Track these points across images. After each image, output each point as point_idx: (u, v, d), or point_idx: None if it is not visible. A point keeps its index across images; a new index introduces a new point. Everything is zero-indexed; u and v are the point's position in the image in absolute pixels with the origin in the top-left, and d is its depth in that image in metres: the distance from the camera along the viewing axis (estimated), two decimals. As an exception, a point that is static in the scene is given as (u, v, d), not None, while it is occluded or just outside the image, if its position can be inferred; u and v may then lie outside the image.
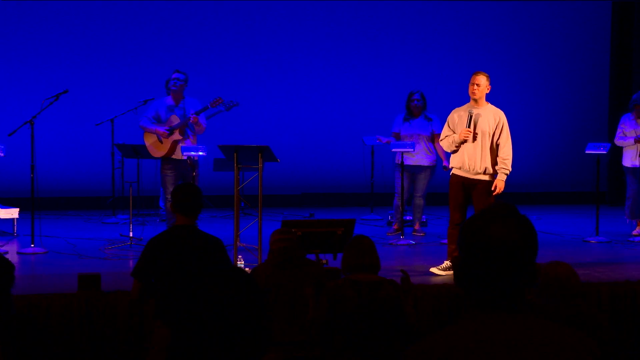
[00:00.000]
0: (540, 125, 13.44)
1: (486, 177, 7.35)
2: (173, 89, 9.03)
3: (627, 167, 9.91)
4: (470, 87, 7.42)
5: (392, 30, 13.00)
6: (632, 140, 9.72)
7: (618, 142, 9.94)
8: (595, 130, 13.28)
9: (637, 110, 9.73)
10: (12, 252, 8.34)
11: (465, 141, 7.36)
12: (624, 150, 9.96)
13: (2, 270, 3.89)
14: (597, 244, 9.26)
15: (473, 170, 7.35)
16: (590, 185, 10.87)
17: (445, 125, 7.56)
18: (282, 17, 12.72)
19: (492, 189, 7.29)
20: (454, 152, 7.46)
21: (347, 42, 12.91)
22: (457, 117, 7.48)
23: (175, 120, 8.96)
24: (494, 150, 7.38)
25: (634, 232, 9.77)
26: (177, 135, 8.92)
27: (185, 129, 8.94)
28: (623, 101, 12.44)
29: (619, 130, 9.93)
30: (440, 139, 7.62)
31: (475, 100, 7.43)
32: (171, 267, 4.85)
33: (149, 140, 9.11)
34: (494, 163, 7.37)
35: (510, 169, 7.38)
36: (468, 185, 7.38)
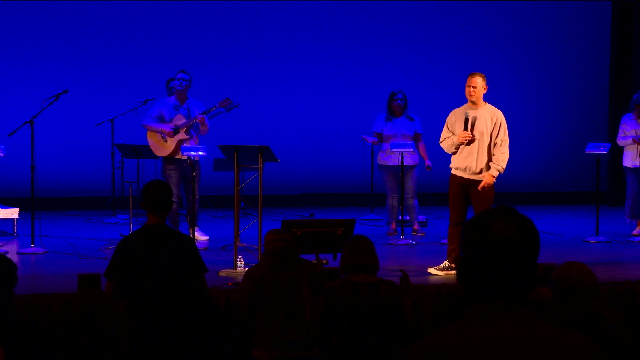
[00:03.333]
0: (540, 125, 13.44)
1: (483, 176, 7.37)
2: (179, 88, 9.04)
3: (627, 167, 9.91)
4: (467, 89, 7.43)
5: (393, 31, 13.00)
6: (630, 140, 9.72)
7: (620, 142, 9.95)
8: (595, 130, 13.28)
9: (637, 110, 9.73)
10: (12, 252, 8.33)
11: (463, 143, 7.39)
12: (624, 150, 9.97)
13: (5, 270, 3.89)
14: (597, 244, 9.25)
15: (471, 171, 7.37)
16: (590, 185, 10.87)
17: (445, 127, 7.58)
18: (282, 17, 12.72)
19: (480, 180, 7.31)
20: (454, 153, 7.48)
21: (348, 42, 12.91)
22: (455, 118, 7.51)
23: (180, 119, 8.97)
24: (492, 151, 7.40)
25: (634, 232, 9.77)
26: (182, 135, 8.93)
27: (189, 129, 8.96)
28: (623, 101, 12.45)
29: (620, 130, 9.94)
30: (440, 141, 7.62)
31: (473, 102, 7.44)
32: (143, 267, 4.83)
33: (153, 139, 9.12)
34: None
35: (504, 167, 7.37)
36: (466, 185, 7.39)
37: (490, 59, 13.03)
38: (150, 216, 4.96)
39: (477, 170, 7.36)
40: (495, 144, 7.38)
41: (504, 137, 7.38)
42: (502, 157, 7.35)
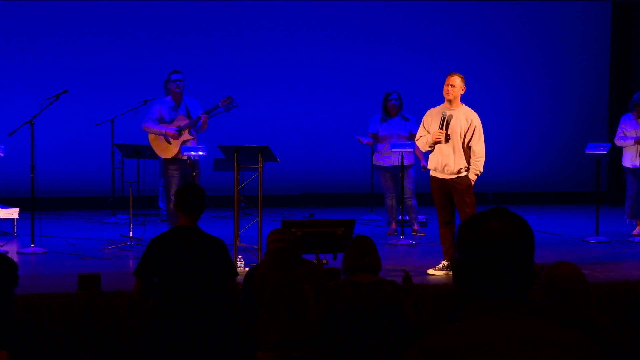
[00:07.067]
0: (540, 125, 13.44)
1: (462, 177, 7.39)
2: (177, 90, 9.01)
3: (627, 168, 9.90)
4: (445, 88, 7.46)
5: (393, 31, 13.00)
6: (632, 141, 9.72)
7: (618, 142, 9.94)
8: (595, 130, 13.28)
9: (637, 110, 9.73)
10: (12, 252, 8.33)
11: (438, 142, 7.40)
12: (624, 150, 9.96)
13: (5, 270, 3.89)
14: (597, 244, 9.25)
15: (448, 171, 7.40)
16: (590, 185, 10.87)
17: (421, 126, 7.63)
18: (283, 17, 12.72)
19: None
20: (430, 152, 7.51)
21: (348, 43, 12.91)
22: (431, 117, 7.54)
23: (182, 120, 8.95)
24: (467, 151, 7.40)
25: (634, 232, 9.76)
26: (186, 135, 8.93)
27: (191, 129, 8.96)
28: (623, 101, 12.44)
29: (619, 130, 9.92)
30: (416, 138, 7.68)
31: (450, 101, 7.46)
32: (172, 267, 4.85)
33: (156, 142, 9.10)
34: (469, 162, 7.41)
35: (482, 170, 7.43)
36: (446, 185, 7.42)
37: (490, 59, 13.02)
38: (181, 217, 5.01)
39: (455, 170, 7.38)
40: (469, 147, 7.39)
41: (478, 139, 7.39)
42: (478, 161, 7.40)
